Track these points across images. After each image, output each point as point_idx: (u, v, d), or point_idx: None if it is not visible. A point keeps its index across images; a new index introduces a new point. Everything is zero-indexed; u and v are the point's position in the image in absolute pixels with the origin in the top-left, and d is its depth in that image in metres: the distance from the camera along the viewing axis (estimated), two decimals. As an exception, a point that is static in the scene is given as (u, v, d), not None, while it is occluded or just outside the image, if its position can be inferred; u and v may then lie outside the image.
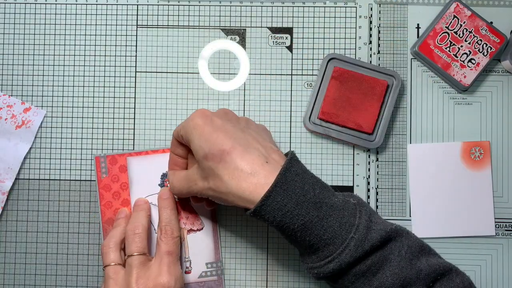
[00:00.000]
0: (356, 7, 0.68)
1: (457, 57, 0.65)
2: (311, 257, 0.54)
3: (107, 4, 0.68)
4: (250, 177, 0.52)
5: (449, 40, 0.65)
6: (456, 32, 0.65)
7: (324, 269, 0.53)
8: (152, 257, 0.60)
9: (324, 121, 0.65)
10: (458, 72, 0.65)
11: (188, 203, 0.65)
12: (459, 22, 0.65)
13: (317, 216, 0.52)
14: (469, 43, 0.65)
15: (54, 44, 0.68)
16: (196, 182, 0.57)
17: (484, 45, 0.65)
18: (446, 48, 0.65)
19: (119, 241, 0.61)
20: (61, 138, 0.67)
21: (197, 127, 0.55)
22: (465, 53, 0.65)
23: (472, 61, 0.65)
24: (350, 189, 0.66)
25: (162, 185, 0.65)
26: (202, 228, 0.65)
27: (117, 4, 0.68)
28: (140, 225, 0.60)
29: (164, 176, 0.65)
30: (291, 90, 0.67)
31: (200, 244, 0.65)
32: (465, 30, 0.65)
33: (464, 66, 0.65)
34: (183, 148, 0.60)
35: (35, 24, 0.68)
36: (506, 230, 0.66)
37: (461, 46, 0.65)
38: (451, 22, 0.65)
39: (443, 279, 0.54)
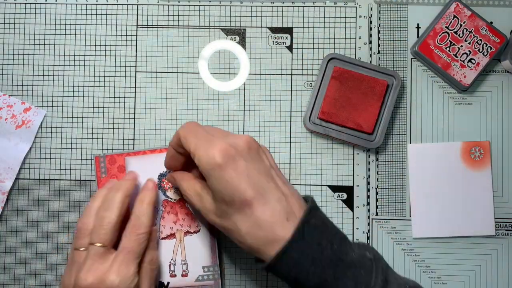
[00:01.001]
0: (356, 7, 0.68)
1: (457, 57, 0.65)
2: None
3: (107, 4, 0.68)
4: (268, 234, 0.50)
5: (449, 40, 0.65)
6: (456, 32, 0.65)
7: None
8: (115, 250, 0.57)
9: (324, 121, 0.65)
10: (458, 72, 0.65)
11: (184, 204, 0.65)
12: (459, 22, 0.65)
13: (333, 275, 0.49)
14: (469, 43, 0.65)
15: (54, 44, 0.68)
16: (208, 213, 0.54)
17: (484, 45, 0.65)
18: (446, 48, 0.65)
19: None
20: (61, 138, 0.67)
21: (217, 168, 0.50)
22: (465, 53, 0.65)
23: (472, 61, 0.65)
24: (350, 189, 0.66)
25: (159, 186, 0.65)
26: (198, 231, 0.65)
27: (117, 4, 0.68)
28: (107, 217, 0.57)
29: (161, 176, 0.65)
30: (291, 90, 0.67)
31: (197, 246, 0.65)
32: (465, 30, 0.65)
33: (464, 66, 0.65)
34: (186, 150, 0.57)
35: (35, 24, 0.68)
36: (506, 230, 0.66)
37: (461, 46, 0.65)
38: (451, 22, 0.65)
39: None
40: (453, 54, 0.65)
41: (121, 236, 0.58)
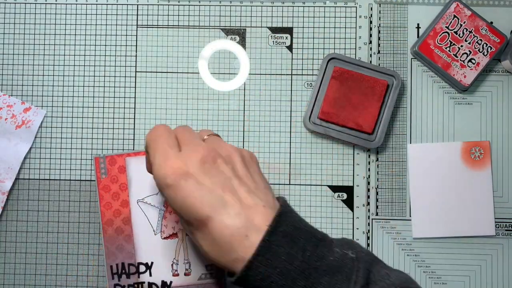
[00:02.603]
0: (356, 7, 0.68)
1: (457, 57, 0.65)
2: None
3: (107, 4, 0.68)
4: (228, 254, 0.47)
5: (449, 40, 0.65)
6: (456, 32, 0.65)
7: None
8: None
9: (324, 121, 0.65)
10: (458, 72, 0.65)
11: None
12: (459, 22, 0.65)
13: (304, 286, 0.46)
14: (469, 43, 0.65)
15: (54, 44, 0.68)
16: (182, 223, 0.53)
17: (484, 45, 0.65)
18: (446, 48, 0.65)
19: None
20: (61, 138, 0.67)
21: (169, 189, 0.48)
22: (465, 53, 0.65)
23: (472, 61, 0.65)
24: (350, 189, 0.66)
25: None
26: (201, 229, 0.65)
27: (117, 4, 0.68)
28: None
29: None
30: (291, 90, 0.67)
31: (200, 244, 0.65)
32: (465, 30, 0.65)
33: (464, 66, 0.65)
34: None
35: (35, 24, 0.68)
36: (506, 230, 0.66)
37: (461, 46, 0.65)
38: (451, 22, 0.65)
39: None
40: (453, 54, 0.65)
41: None
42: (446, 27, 0.65)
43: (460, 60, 0.65)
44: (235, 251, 0.46)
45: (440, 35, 0.65)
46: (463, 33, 0.65)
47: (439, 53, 0.65)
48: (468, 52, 0.65)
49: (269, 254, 0.46)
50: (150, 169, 0.54)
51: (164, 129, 0.53)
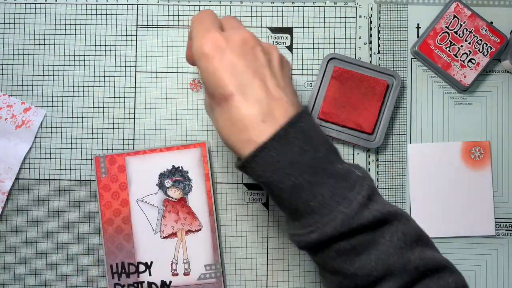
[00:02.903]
0: (356, 7, 0.68)
1: (457, 57, 0.65)
2: (295, 223, 0.50)
3: (107, 4, 0.68)
4: (240, 133, 0.48)
5: (449, 40, 0.65)
6: (456, 32, 0.65)
7: (305, 238, 0.48)
8: None
9: (324, 121, 0.65)
10: (458, 72, 0.65)
11: (186, 204, 0.65)
12: (459, 22, 0.65)
13: (309, 181, 0.47)
14: (469, 43, 0.65)
15: (54, 44, 0.68)
16: (205, 106, 0.55)
17: (484, 45, 0.65)
18: (446, 48, 0.65)
19: None
20: (61, 138, 0.67)
21: (204, 58, 0.49)
22: (465, 53, 0.65)
23: (472, 61, 0.65)
24: (350, 189, 0.66)
25: (160, 184, 0.65)
26: (200, 229, 0.65)
27: (117, 4, 0.68)
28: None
29: (162, 175, 0.65)
30: (291, 90, 0.67)
31: (199, 245, 0.65)
32: (465, 30, 0.65)
33: (464, 66, 0.65)
34: None
35: (35, 24, 0.68)
36: (506, 230, 0.66)
37: (461, 46, 0.65)
38: (451, 22, 0.65)
39: (434, 276, 0.48)
40: (453, 54, 0.65)
41: None
42: (446, 27, 0.65)
43: (460, 60, 0.65)
44: (248, 132, 0.48)
45: (440, 35, 0.65)
46: (463, 33, 0.65)
47: (439, 53, 0.65)
48: (468, 52, 0.65)
49: (283, 142, 0.47)
50: (190, 55, 0.55)
51: (211, 12, 0.54)
